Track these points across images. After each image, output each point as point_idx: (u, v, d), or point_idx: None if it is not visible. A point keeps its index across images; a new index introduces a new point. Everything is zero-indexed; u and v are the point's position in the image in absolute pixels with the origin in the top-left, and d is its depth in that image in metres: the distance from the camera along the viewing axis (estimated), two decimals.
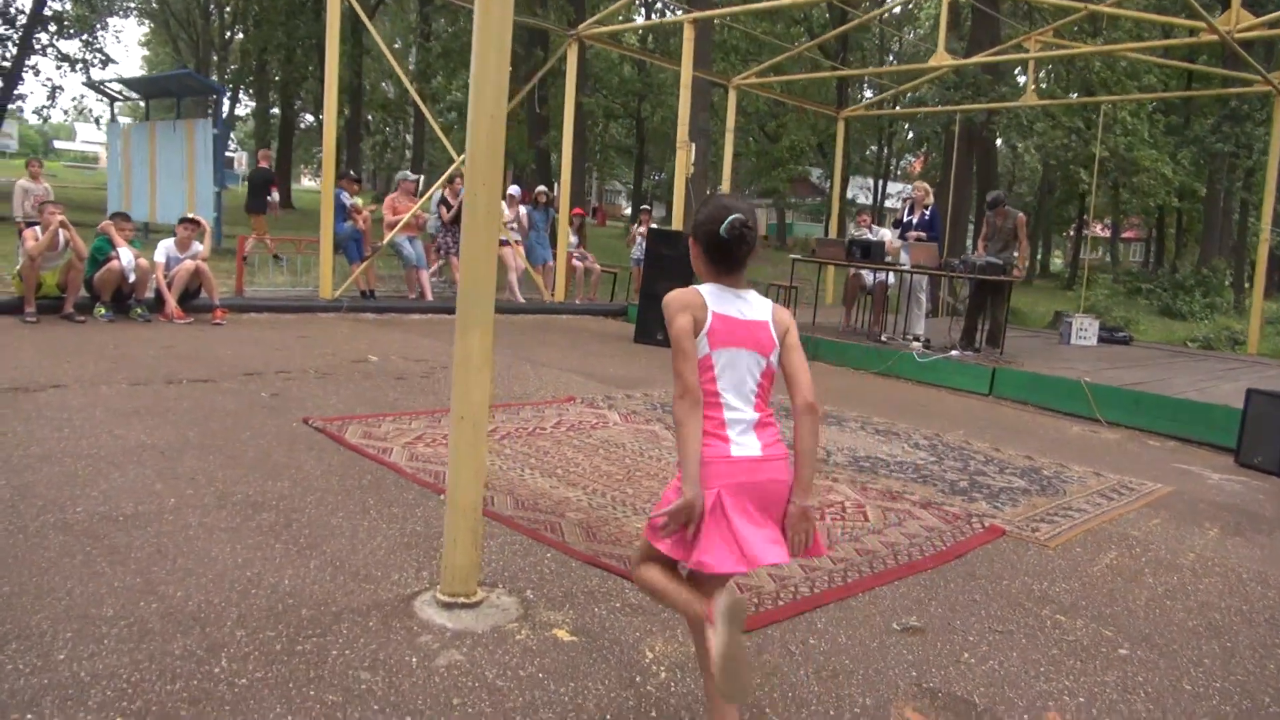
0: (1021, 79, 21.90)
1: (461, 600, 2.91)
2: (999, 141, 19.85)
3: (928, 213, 10.52)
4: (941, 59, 11.17)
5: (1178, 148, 20.23)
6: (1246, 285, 29.97)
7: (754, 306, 2.23)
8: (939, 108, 14.53)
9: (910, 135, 47.76)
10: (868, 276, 10.97)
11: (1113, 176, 17.85)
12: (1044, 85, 16.87)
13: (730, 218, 2.14)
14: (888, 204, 47.90)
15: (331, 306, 10.09)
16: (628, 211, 56.09)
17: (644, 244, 13.47)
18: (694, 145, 10.53)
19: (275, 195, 14.86)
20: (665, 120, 38.46)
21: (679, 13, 14.28)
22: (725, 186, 14.31)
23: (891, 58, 37.19)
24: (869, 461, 5.50)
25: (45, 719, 2.09)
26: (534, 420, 5.73)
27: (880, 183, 48.19)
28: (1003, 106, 15.27)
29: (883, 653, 2.92)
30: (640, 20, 27.62)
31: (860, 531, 4.12)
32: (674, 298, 2.19)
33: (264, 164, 15.77)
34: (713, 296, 2.18)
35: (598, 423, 5.84)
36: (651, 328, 9.83)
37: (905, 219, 10.67)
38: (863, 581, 3.51)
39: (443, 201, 11.74)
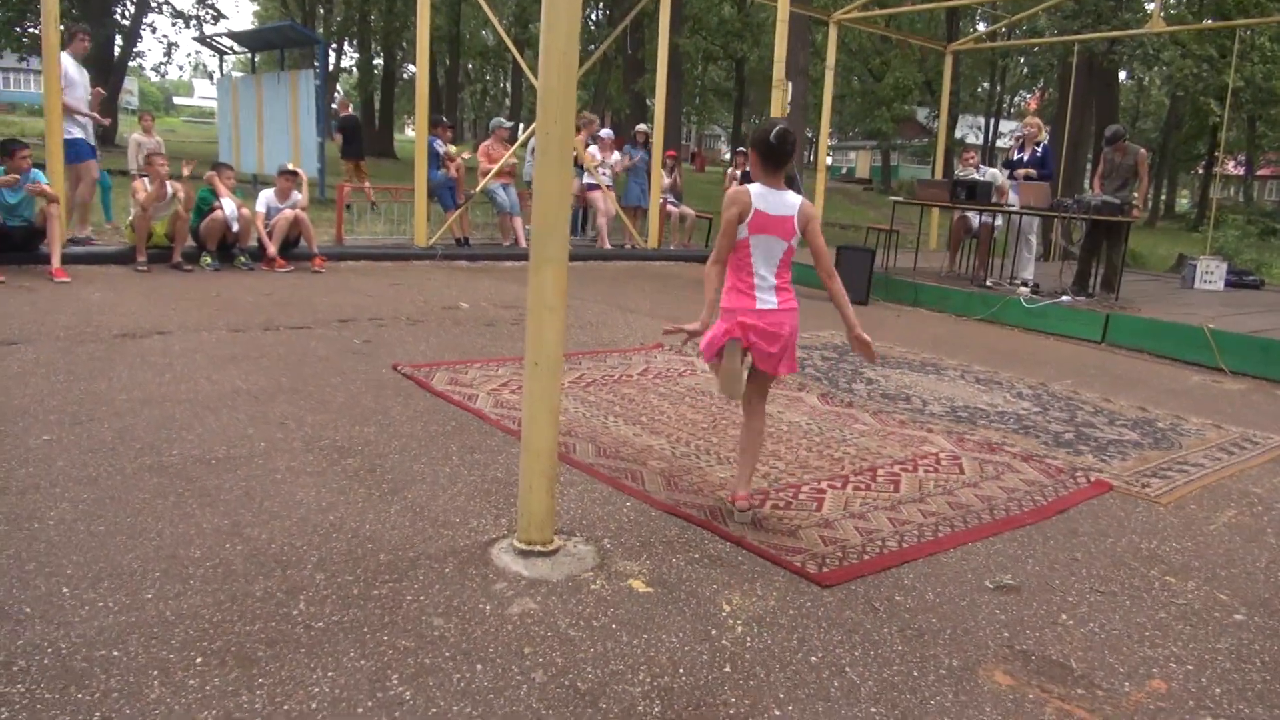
0: (1149, 5, 20.44)
1: (538, 548, 2.89)
2: (1122, 74, 18.59)
3: (1040, 150, 9.94)
4: None
5: None
6: None
7: (787, 203, 3.18)
8: (1057, 38, 13.63)
9: (1025, 70, 45.40)
10: (973, 218, 10.48)
11: (1249, 109, 16.53)
12: (1171, 10, 15.64)
13: (778, 128, 3.12)
14: (1000, 143, 45.83)
15: (426, 254, 10.22)
16: (727, 156, 55.20)
17: None
18: (791, 85, 10.15)
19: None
20: (765, 61, 37.49)
21: None
22: (825, 127, 13.83)
23: None
24: (967, 412, 5.27)
25: (130, 656, 2.16)
26: (620, 368, 5.68)
27: (992, 121, 46.09)
28: (1126, 35, 14.25)
29: (973, 612, 2.78)
30: None
31: (954, 485, 3.94)
32: (731, 195, 3.18)
33: (347, 112, 16.07)
34: (758, 195, 3.14)
35: (685, 370, 5.75)
36: None
37: (1015, 157, 10.11)
38: (955, 536, 3.35)
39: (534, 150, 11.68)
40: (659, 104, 12.53)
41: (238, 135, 16.47)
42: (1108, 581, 3.09)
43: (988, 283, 9.82)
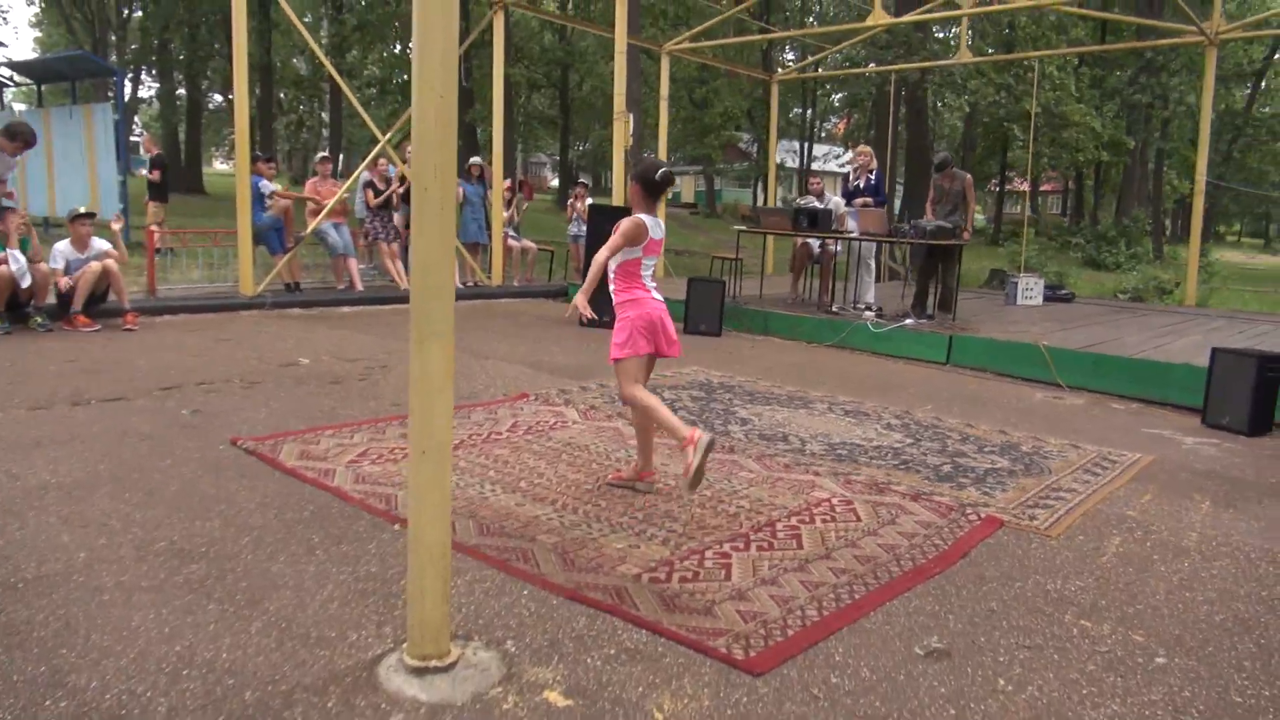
0: (941, 35, 21.87)
1: (434, 663, 2.51)
2: (931, 100, 19.75)
3: (873, 177, 10.28)
4: (879, 18, 10.89)
5: (1103, 100, 20.45)
6: (1166, 234, 30.76)
7: (661, 227, 4.14)
8: (877, 68, 14.29)
9: (833, 97, 47.86)
10: (815, 245, 10.71)
11: (1044, 132, 17.93)
12: (967, 44, 16.75)
13: (661, 169, 4.08)
14: (814, 165, 48.06)
15: (254, 303, 9.45)
16: (554, 184, 55.21)
17: (581, 220, 13.04)
18: (632, 115, 10.08)
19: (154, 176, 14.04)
20: (593, 90, 37.81)
21: None
22: (662, 155, 13.88)
23: (812, 20, 36.96)
24: (846, 449, 5.21)
25: None
26: (488, 424, 5.30)
27: (806, 145, 48.17)
28: (937, 65, 15.12)
29: (913, 686, 2.61)
30: None
31: (855, 534, 3.82)
32: (631, 223, 3.96)
33: (154, 150, 14.82)
34: (650, 224, 4.02)
35: (556, 422, 5.44)
36: (597, 309, 9.38)
37: (853, 185, 10.40)
38: (871, 597, 3.20)
39: (369, 185, 11.11)
40: (496, 136, 12.19)
41: (23, 175, 14.88)
42: (1030, 634, 3.01)
43: (834, 308, 10.02)
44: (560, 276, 13.61)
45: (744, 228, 11.03)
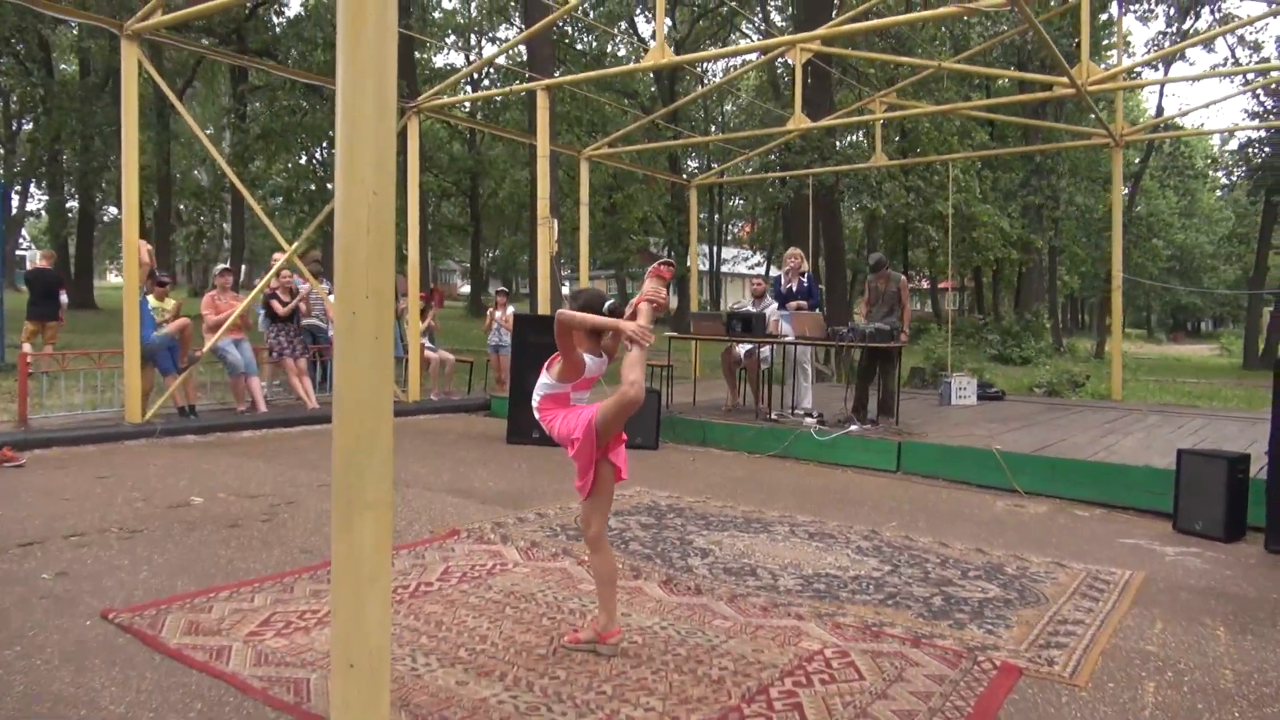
0: (849, 139, 22.55)
1: None
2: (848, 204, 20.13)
3: (805, 279, 10.05)
4: (800, 122, 10.88)
5: (1005, 201, 21.22)
6: (1061, 327, 31.86)
7: (601, 365, 3.57)
8: (794, 172, 14.39)
9: (736, 201, 49.19)
10: (740, 350, 10.36)
11: (954, 233, 18.46)
12: (886, 147, 17.17)
13: (609, 301, 3.48)
14: (723, 269, 48.84)
15: (142, 431, 8.52)
16: (465, 290, 54.73)
17: (502, 330, 12.49)
18: (556, 221, 9.70)
19: (64, 298, 12.92)
20: (506, 197, 37.82)
21: (517, 83, 13.59)
22: (584, 261, 13.53)
23: (714, 128, 37.98)
24: (823, 582, 4.66)
25: None
26: (415, 571, 4.58)
27: (715, 249, 48.98)
28: (853, 169, 15.37)
29: None
30: (470, 92, 26.82)
31: (863, 698, 3.23)
32: (574, 364, 3.48)
33: (45, 264, 13.71)
34: (590, 363, 3.51)
35: (495, 565, 4.75)
36: (525, 425, 8.77)
37: (785, 288, 10.15)
38: None
39: (272, 296, 10.38)
40: (412, 244, 11.65)
41: None
42: None
43: (773, 415, 9.60)
44: (480, 388, 12.95)
45: (674, 333, 10.64)
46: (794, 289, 10.04)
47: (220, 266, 10.65)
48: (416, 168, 11.56)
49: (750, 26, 31.69)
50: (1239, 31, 24.32)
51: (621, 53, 31.16)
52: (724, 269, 50.67)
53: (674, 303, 42.29)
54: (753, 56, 17.37)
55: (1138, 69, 13.17)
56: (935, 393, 12.04)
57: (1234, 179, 41.46)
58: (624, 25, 31.61)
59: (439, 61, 38.04)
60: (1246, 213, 46.76)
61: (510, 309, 12.88)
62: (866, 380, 9.44)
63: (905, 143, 20.12)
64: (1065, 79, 8.56)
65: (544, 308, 9.73)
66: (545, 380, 3.58)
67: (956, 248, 19.00)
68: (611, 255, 35.18)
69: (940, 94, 15.57)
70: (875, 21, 9.39)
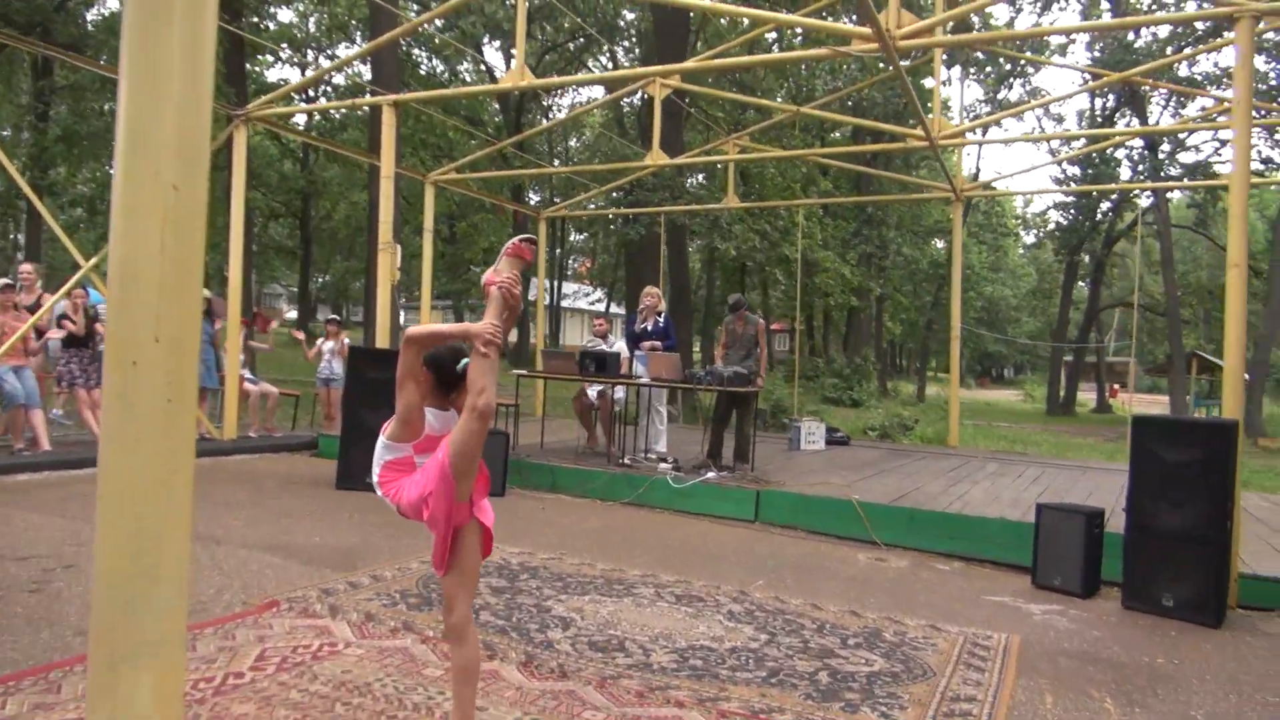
0: (698, 178, 22.75)
1: None
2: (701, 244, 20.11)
3: (661, 320, 9.73)
4: (659, 158, 10.63)
5: (844, 248, 21.93)
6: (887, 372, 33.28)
7: (448, 420, 2.97)
8: (648, 209, 14.18)
9: (580, 237, 49.18)
10: (591, 391, 9.92)
11: (799, 277, 18.89)
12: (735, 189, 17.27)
13: (465, 360, 2.89)
14: (565, 303, 48.54)
15: None
16: (291, 315, 51.93)
17: (333, 362, 11.57)
18: (399, 247, 8.97)
19: None
20: (341, 220, 36.11)
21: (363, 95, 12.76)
22: (426, 291, 12.75)
23: (556, 161, 37.79)
24: (699, 657, 4.21)
25: None
26: (221, 658, 3.81)
27: (555, 283, 48.65)
28: (705, 209, 15.34)
29: None
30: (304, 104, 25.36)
31: None
32: (413, 421, 2.95)
33: None
34: (431, 418, 2.98)
35: (322, 647, 4.03)
36: (358, 468, 7.96)
37: (639, 328, 9.79)
38: None
39: (64, 317, 9.12)
40: (234, 264, 10.57)
41: None
42: None
43: (625, 459, 9.17)
44: (306, 424, 11.91)
45: (522, 371, 10.05)
46: (649, 329, 9.70)
47: (2, 281, 9.27)
48: (243, 183, 10.54)
49: (597, 65, 31.73)
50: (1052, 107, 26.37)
51: (468, 79, 30.47)
52: (564, 304, 50.42)
53: (514, 335, 41.43)
54: (602, 91, 17.19)
55: (974, 129, 13.96)
56: (785, 437, 11.97)
57: (1038, 237, 45.00)
58: (470, 54, 31.02)
59: (272, 76, 36.14)
60: (1049, 269, 50.91)
61: (345, 339, 11.95)
62: (723, 425, 9.18)
63: (747, 187, 20.46)
64: (920, 132, 8.67)
65: (382, 339, 8.94)
66: (383, 443, 2.97)
67: (798, 291, 19.42)
68: (451, 286, 34.13)
69: (789, 141, 15.84)
70: (743, 59, 9.28)
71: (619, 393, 9.78)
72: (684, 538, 7.11)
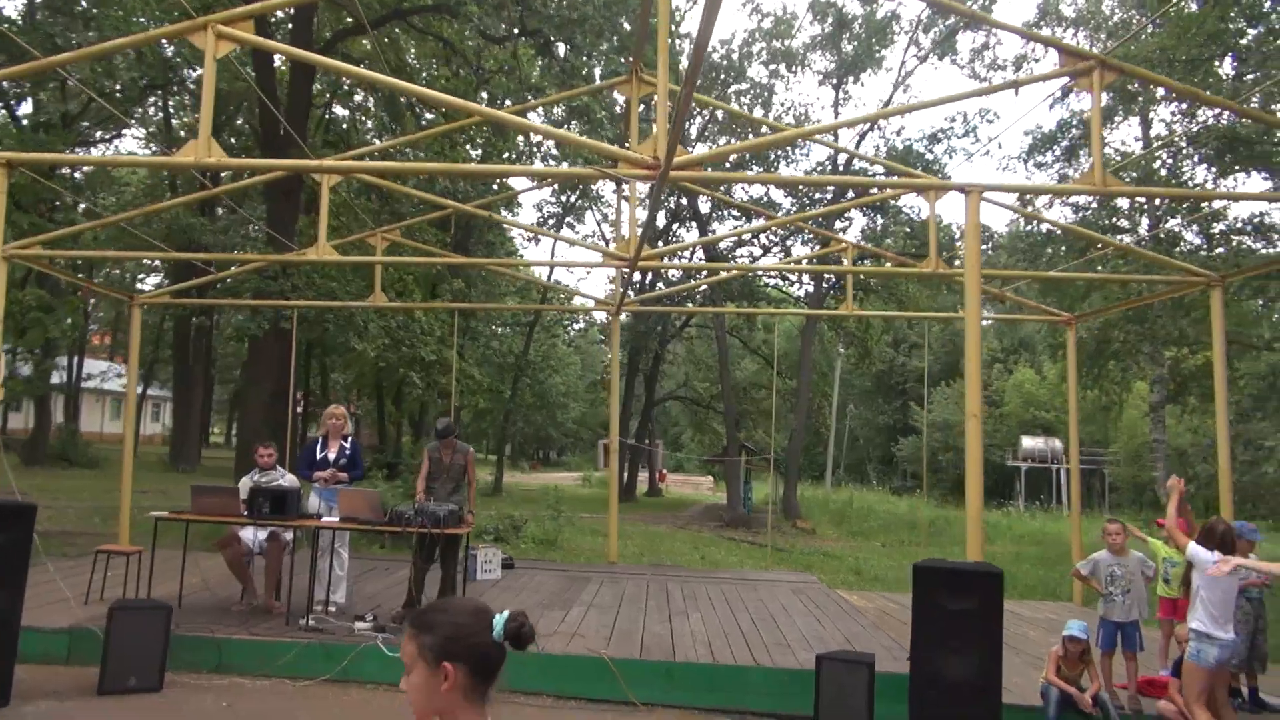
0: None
1: None
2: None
3: (348, 445, 8.32)
4: (326, 252, 9.28)
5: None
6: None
7: None
8: (286, 302, 12.29)
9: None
10: (249, 537, 8.15)
11: (429, 377, 17.81)
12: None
13: (510, 612, 2.03)
14: (87, 384, 41.33)
15: None
16: None
17: None
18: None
19: None
20: None
21: None
22: None
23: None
24: None
25: None
26: None
27: (76, 359, 41.30)
28: (348, 306, 13.78)
29: None
30: None
31: None
32: None
33: None
34: None
35: None
36: None
37: (319, 455, 8.24)
38: None
39: None
40: None
41: None
42: None
43: (309, 621, 7.52)
44: None
45: (162, 513, 7.85)
46: (331, 457, 8.23)
47: None
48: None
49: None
50: None
51: None
52: (88, 384, 42.90)
53: (27, 423, 33.77)
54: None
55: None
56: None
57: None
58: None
59: None
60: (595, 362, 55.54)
61: None
62: (424, 571, 8.02)
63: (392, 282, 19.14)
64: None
65: None
66: None
67: (429, 392, 18.37)
68: None
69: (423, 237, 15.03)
70: (508, 168, 8.39)
71: (288, 535, 8.13)
72: None
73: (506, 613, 2.02)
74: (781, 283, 33.08)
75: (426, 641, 1.97)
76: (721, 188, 20.38)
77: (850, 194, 17.45)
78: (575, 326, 48.93)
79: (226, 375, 49.19)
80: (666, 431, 63.32)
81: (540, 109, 12.89)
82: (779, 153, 28.36)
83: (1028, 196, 19.55)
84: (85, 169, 20.48)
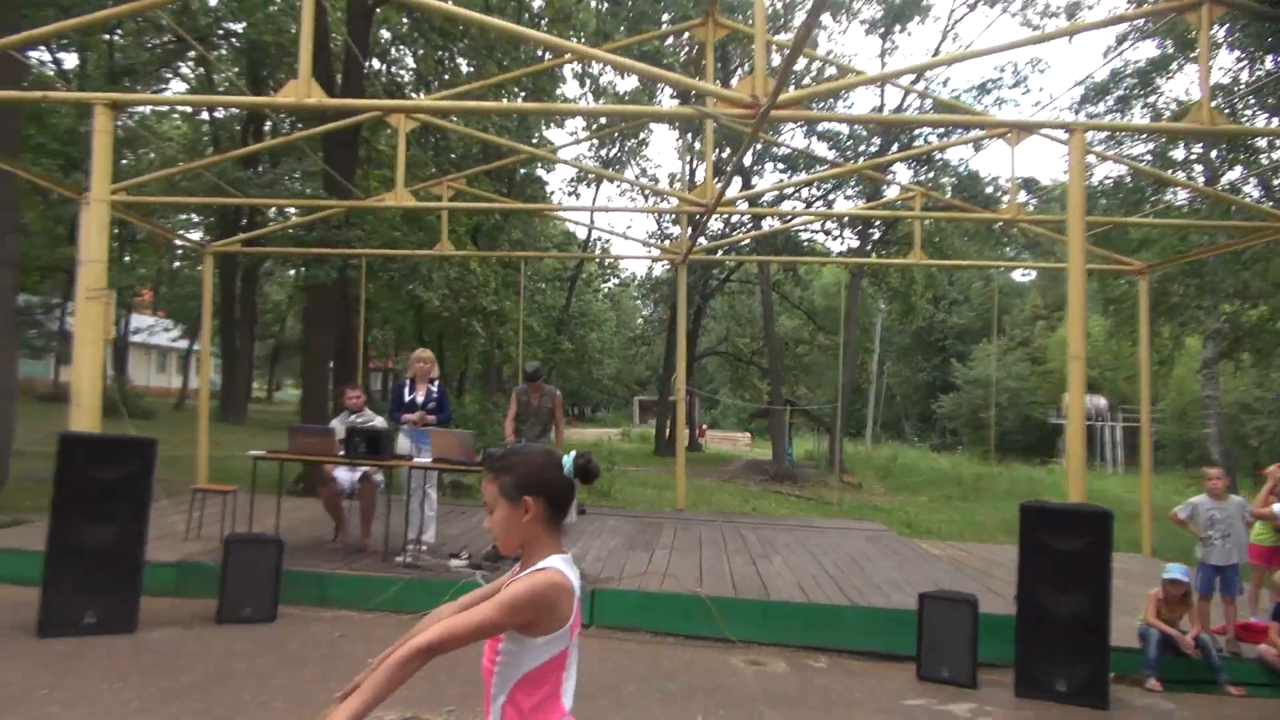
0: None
1: None
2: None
3: (435, 389, 8.42)
4: (404, 199, 9.32)
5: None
6: None
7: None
8: (348, 250, 12.39)
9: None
10: (345, 478, 8.29)
11: (490, 328, 17.96)
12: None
13: (575, 451, 2.21)
14: (134, 339, 41.97)
15: None
16: None
17: None
18: (115, 294, 6.69)
19: None
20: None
21: None
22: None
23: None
24: None
25: None
26: None
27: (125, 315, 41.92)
28: (413, 255, 13.88)
29: None
30: None
31: None
32: (546, 586, 2.01)
33: None
34: (573, 579, 2.08)
35: None
36: (74, 604, 5.71)
37: (408, 398, 8.36)
38: None
39: None
40: None
41: None
42: None
43: (406, 559, 7.69)
44: None
45: (260, 452, 8.02)
46: (420, 399, 8.35)
47: None
48: None
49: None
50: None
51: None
52: (135, 339, 43.57)
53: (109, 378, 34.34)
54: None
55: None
56: None
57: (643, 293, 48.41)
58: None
59: None
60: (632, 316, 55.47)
61: None
62: None
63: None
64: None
65: (89, 420, 6.42)
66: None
67: (489, 342, 18.50)
68: None
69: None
70: (602, 107, 8.35)
71: (380, 476, 8.28)
72: None
73: (574, 453, 2.20)
74: (823, 236, 32.74)
75: (507, 480, 2.12)
76: (770, 133, 20.14)
77: (923, 138, 16.99)
78: (612, 283, 48.98)
79: (265, 331, 49.69)
80: (703, 388, 63.33)
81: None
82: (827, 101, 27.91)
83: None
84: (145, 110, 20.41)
